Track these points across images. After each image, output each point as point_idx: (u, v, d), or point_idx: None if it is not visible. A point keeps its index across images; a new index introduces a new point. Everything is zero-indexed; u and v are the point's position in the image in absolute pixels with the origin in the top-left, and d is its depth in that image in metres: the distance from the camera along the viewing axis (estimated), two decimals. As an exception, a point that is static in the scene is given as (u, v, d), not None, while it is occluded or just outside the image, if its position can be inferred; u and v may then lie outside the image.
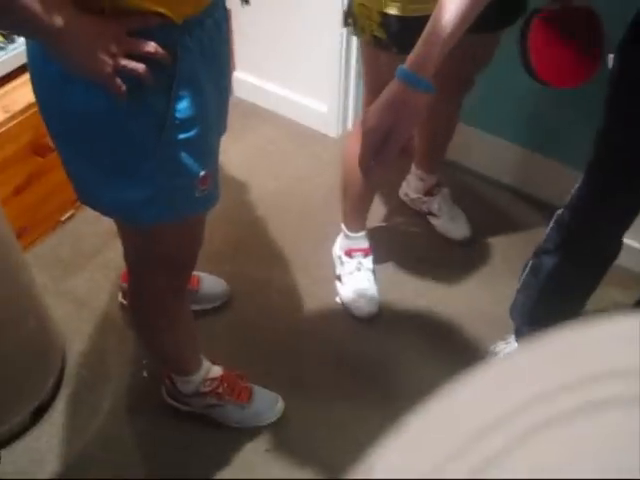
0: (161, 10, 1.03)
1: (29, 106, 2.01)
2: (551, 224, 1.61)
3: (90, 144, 1.16)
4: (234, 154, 2.59)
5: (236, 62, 2.78)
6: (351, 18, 1.59)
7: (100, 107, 1.08)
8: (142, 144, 1.13)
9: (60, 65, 1.04)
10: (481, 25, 1.15)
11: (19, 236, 2.07)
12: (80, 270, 2.19)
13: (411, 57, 1.07)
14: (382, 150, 1.12)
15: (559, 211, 1.58)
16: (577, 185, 1.51)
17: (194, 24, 1.10)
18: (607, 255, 1.60)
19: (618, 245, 1.58)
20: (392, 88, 1.08)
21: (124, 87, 1.02)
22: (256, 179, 2.53)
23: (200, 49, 1.12)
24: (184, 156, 1.16)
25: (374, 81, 1.70)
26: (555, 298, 1.69)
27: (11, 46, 2.06)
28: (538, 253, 1.68)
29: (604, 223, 1.52)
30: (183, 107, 1.11)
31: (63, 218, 2.31)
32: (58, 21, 0.96)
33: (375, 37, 1.54)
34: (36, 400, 1.80)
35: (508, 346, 1.88)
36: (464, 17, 1.05)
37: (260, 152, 2.64)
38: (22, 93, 2.06)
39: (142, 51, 1.03)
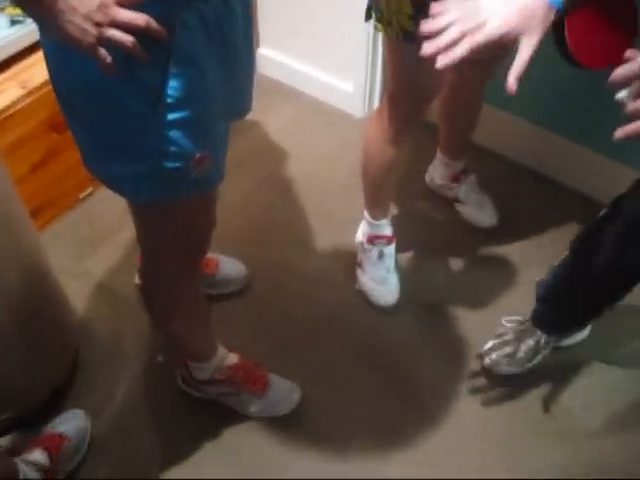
0: None
1: (47, 82, 1.95)
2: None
3: (89, 116, 1.12)
4: (254, 134, 2.54)
5: (259, 37, 2.72)
6: (376, 12, 1.51)
7: (96, 78, 1.02)
8: (137, 119, 1.08)
9: None
10: None
11: (36, 214, 2.05)
12: (98, 250, 2.16)
13: None
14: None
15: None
16: None
17: None
18: None
19: None
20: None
21: (109, 59, 0.95)
22: (277, 160, 2.48)
23: (203, 27, 1.05)
24: (178, 136, 1.11)
25: (399, 72, 1.63)
26: (593, 279, 1.61)
27: (29, 19, 2.01)
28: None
29: None
30: (178, 86, 1.06)
31: (82, 196, 2.29)
32: None
33: (403, 30, 1.47)
34: (52, 382, 1.78)
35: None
36: None
37: (282, 132, 2.59)
38: (40, 69, 2.01)
39: (131, 23, 0.95)
